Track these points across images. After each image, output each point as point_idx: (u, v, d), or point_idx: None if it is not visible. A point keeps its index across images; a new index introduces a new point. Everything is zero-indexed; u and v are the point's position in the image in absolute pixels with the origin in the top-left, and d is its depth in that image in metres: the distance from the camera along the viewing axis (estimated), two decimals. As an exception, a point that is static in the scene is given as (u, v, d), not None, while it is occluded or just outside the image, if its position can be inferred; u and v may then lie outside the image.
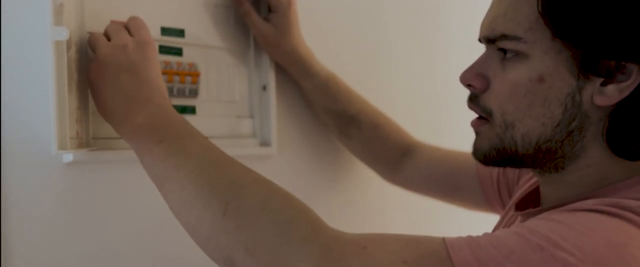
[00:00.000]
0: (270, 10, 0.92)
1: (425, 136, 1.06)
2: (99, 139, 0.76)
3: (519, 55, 0.65)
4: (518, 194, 0.84)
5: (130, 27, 0.73)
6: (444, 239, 0.58)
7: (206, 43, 0.89)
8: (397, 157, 1.02)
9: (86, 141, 0.74)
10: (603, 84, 0.63)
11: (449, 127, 1.31)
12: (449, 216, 1.22)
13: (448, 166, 0.99)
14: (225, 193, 0.59)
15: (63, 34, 0.64)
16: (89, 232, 0.76)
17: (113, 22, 0.74)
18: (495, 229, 0.85)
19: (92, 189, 0.77)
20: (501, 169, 0.92)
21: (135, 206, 0.81)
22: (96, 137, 0.76)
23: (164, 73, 0.82)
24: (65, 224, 0.75)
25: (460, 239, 0.59)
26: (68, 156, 0.73)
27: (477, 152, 0.71)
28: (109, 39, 0.72)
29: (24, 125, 0.70)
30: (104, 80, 0.69)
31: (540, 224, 0.59)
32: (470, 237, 0.59)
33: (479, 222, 1.11)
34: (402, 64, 1.21)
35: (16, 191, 0.70)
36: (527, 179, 0.86)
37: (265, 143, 0.95)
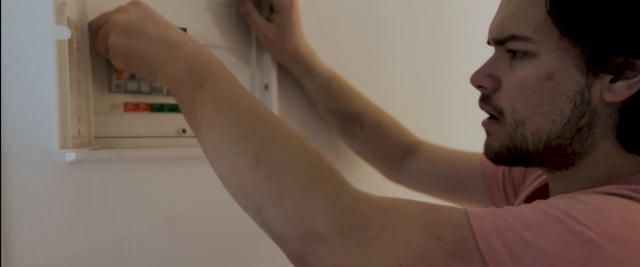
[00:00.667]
0: (272, 10, 0.92)
1: (427, 135, 1.06)
2: (101, 138, 0.77)
3: (527, 54, 0.66)
4: (526, 192, 0.85)
5: (113, 9, 0.74)
6: (465, 209, 0.59)
7: (208, 42, 0.89)
8: (400, 156, 1.02)
9: (88, 140, 0.75)
10: (612, 81, 0.64)
11: (451, 126, 1.31)
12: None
13: (452, 165, 0.99)
14: (258, 145, 0.60)
15: (65, 33, 0.64)
16: (91, 231, 0.77)
17: (94, 19, 0.76)
18: None
19: (94, 188, 0.77)
20: (507, 168, 0.92)
21: (138, 205, 0.81)
22: (98, 136, 0.76)
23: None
24: (67, 223, 0.75)
25: (480, 210, 0.59)
26: (71, 155, 0.73)
27: (488, 150, 0.72)
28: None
29: (26, 124, 0.71)
30: (131, 37, 0.69)
31: (560, 200, 0.60)
32: (491, 209, 0.59)
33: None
34: (404, 64, 1.21)
35: (18, 190, 0.70)
36: (533, 179, 0.86)
37: (267, 142, 0.95)
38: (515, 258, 0.55)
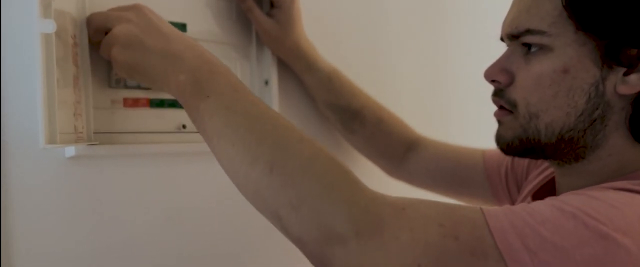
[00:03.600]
0: (272, 5, 0.92)
1: (429, 131, 1.05)
2: (101, 133, 0.76)
3: (543, 48, 0.67)
4: (529, 187, 0.85)
5: (114, 10, 0.73)
6: (480, 208, 0.60)
7: (208, 38, 0.89)
8: (402, 152, 1.01)
9: (87, 136, 0.74)
10: (626, 74, 0.65)
11: (453, 122, 1.30)
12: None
13: (454, 161, 0.98)
14: (271, 152, 0.61)
15: (50, 26, 0.64)
16: (91, 226, 0.77)
17: (95, 14, 0.74)
18: None
19: (94, 184, 0.77)
20: (509, 164, 0.92)
21: (138, 200, 0.81)
22: (98, 131, 0.76)
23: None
24: (68, 218, 0.75)
25: (496, 208, 0.60)
26: (70, 151, 0.73)
27: (500, 140, 0.73)
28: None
29: (25, 119, 0.70)
30: (133, 50, 0.68)
31: (574, 197, 0.60)
32: (506, 207, 0.60)
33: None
34: (405, 60, 1.21)
35: (18, 185, 0.70)
36: (537, 174, 0.86)
37: (267, 138, 0.95)
38: (533, 254, 0.55)
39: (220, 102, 0.64)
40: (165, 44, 0.68)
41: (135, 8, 0.72)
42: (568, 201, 0.59)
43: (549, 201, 0.60)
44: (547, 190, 0.78)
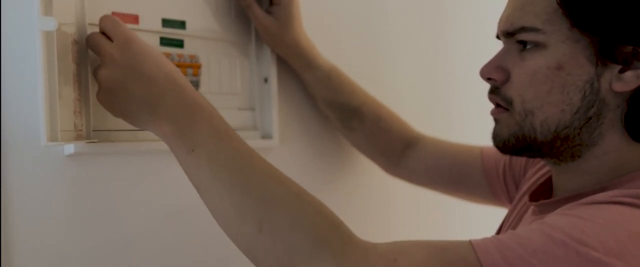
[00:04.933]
0: (271, 2, 0.92)
1: (428, 129, 1.05)
2: (101, 131, 0.76)
3: (538, 45, 0.67)
4: (527, 185, 0.85)
5: (106, 31, 0.69)
6: (470, 242, 0.60)
7: (207, 35, 0.89)
8: (400, 150, 1.01)
9: (87, 133, 0.74)
10: (621, 71, 0.65)
11: (452, 120, 1.30)
12: (451, 208, 1.22)
13: (452, 158, 0.99)
14: (258, 210, 0.61)
15: (51, 24, 0.63)
16: (90, 224, 0.76)
17: (89, 38, 0.71)
18: (506, 219, 0.85)
19: (93, 181, 0.77)
20: (507, 161, 0.93)
21: (137, 198, 0.81)
22: (97, 129, 0.76)
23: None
24: (67, 216, 0.75)
25: (485, 240, 0.60)
26: (69, 148, 0.73)
27: (496, 138, 0.73)
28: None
29: (25, 117, 0.70)
30: (117, 99, 0.67)
31: (561, 220, 0.60)
32: (495, 238, 0.60)
33: (481, 213, 1.10)
34: (404, 58, 1.21)
35: (18, 183, 0.70)
36: (534, 171, 0.86)
37: (266, 135, 0.95)
38: None
39: (204, 154, 0.64)
40: (147, 90, 0.66)
41: (121, 42, 0.68)
42: (557, 225, 0.59)
43: (537, 226, 0.60)
44: (544, 189, 0.78)
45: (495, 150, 0.77)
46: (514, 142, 0.71)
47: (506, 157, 0.93)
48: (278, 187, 0.63)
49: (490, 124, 0.75)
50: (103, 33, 0.70)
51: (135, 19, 0.81)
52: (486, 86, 0.74)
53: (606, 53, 0.65)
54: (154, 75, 0.67)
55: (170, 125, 0.65)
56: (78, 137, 0.72)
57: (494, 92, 0.72)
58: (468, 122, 1.30)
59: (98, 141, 0.75)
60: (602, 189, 0.68)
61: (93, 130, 0.75)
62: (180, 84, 0.67)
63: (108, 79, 0.67)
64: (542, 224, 0.60)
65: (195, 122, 0.65)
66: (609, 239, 0.57)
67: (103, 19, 0.70)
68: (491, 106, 0.74)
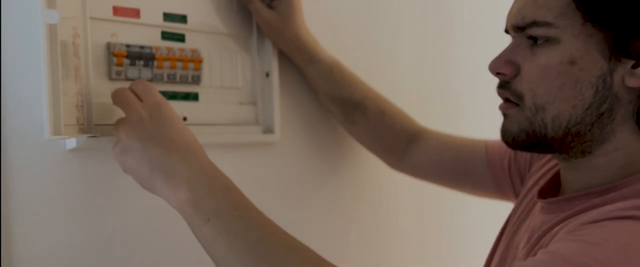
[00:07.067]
0: (273, -4, 0.91)
1: (431, 123, 1.05)
2: (102, 125, 0.76)
3: (549, 40, 0.67)
4: (534, 179, 0.84)
5: (137, 92, 0.71)
6: None
7: (209, 29, 0.88)
8: (404, 144, 1.01)
9: (88, 127, 0.74)
10: (634, 66, 0.65)
11: (456, 114, 1.30)
12: (455, 202, 1.22)
13: (456, 152, 0.98)
14: None
15: (55, 17, 0.63)
16: (91, 218, 0.76)
17: (118, 93, 0.71)
18: (513, 215, 0.85)
19: (94, 176, 0.77)
20: (512, 155, 0.92)
21: (138, 193, 0.80)
22: (99, 123, 0.75)
23: (167, 59, 0.82)
24: (68, 210, 0.74)
25: None
26: (71, 142, 0.73)
27: (505, 134, 0.72)
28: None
29: (25, 111, 0.70)
30: (133, 158, 0.67)
31: (571, 247, 0.59)
32: None
33: (486, 208, 1.10)
34: (407, 52, 1.20)
35: (19, 177, 0.70)
36: (540, 166, 0.86)
37: (268, 130, 0.94)
38: None
39: (221, 225, 0.64)
40: (165, 156, 0.66)
41: (152, 104, 0.69)
42: (567, 255, 0.58)
43: (547, 257, 0.59)
44: (552, 186, 0.78)
45: (499, 143, 0.76)
46: (524, 137, 0.70)
47: (511, 151, 0.92)
48: (294, 258, 0.63)
49: (495, 118, 0.75)
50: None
51: (136, 12, 0.80)
52: (492, 80, 0.74)
53: (620, 48, 0.64)
54: (176, 143, 0.68)
55: (186, 193, 0.65)
56: (80, 131, 0.71)
57: (504, 87, 0.71)
58: (473, 115, 1.30)
59: (99, 135, 0.75)
60: (611, 188, 0.67)
61: (95, 125, 0.75)
62: (199, 154, 0.68)
63: (130, 135, 0.67)
64: (551, 255, 0.59)
65: (212, 192, 0.65)
66: (621, 265, 0.56)
67: (136, 82, 0.72)
68: (498, 101, 0.73)
